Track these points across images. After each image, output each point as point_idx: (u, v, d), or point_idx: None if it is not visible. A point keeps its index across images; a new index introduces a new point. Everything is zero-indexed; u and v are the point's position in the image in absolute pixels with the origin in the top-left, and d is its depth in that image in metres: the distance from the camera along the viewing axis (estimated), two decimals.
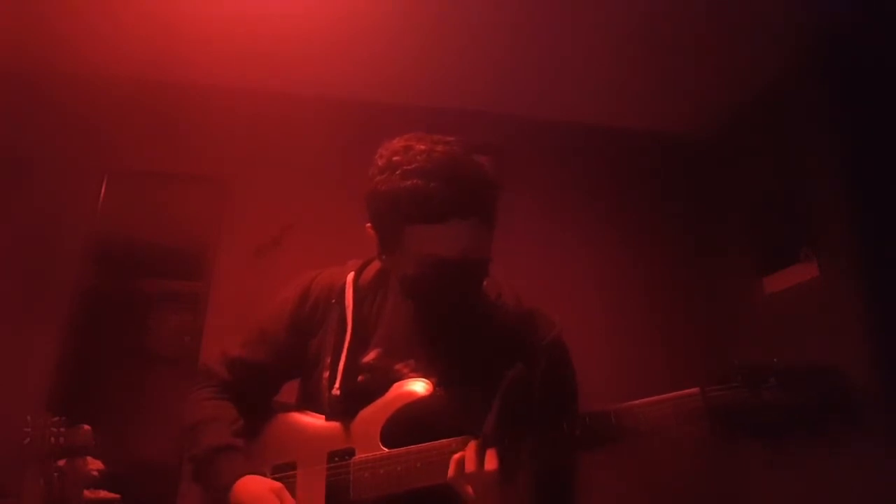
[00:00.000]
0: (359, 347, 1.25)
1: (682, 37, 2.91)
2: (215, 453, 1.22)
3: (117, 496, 2.36)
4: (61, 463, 2.20)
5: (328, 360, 1.25)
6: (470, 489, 1.03)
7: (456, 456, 1.06)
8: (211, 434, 1.25)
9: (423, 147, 1.12)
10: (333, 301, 1.30)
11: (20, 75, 3.21)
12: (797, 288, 2.87)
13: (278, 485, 1.18)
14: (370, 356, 1.24)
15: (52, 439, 2.20)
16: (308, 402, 1.28)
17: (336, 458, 1.19)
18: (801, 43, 2.86)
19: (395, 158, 1.12)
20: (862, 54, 2.67)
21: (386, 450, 1.15)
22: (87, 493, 2.23)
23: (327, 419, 1.23)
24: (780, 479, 2.79)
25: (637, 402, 1.00)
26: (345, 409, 1.21)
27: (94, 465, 2.26)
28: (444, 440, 1.10)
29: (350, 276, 1.31)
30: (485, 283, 1.23)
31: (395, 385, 1.19)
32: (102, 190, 3.23)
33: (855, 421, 0.89)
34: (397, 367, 1.22)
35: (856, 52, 2.68)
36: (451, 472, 1.05)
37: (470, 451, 1.04)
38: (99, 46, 3.13)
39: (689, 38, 2.92)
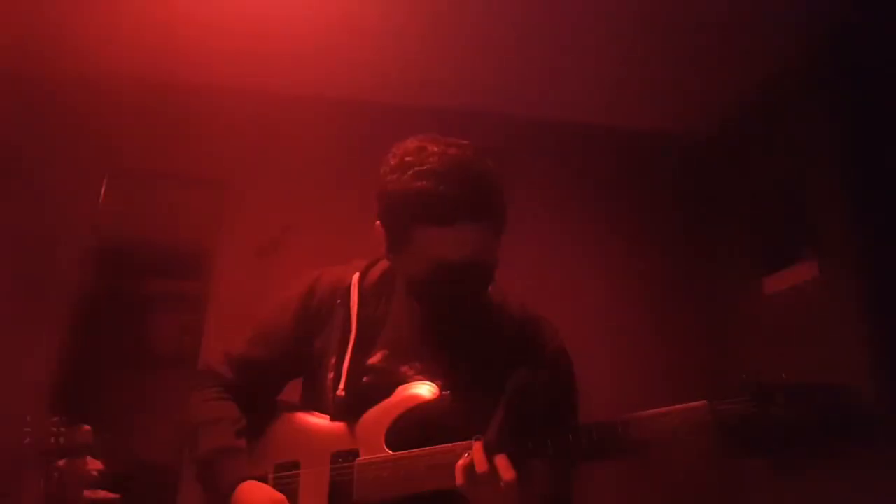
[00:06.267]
0: (364, 348, 1.24)
1: (684, 37, 2.91)
2: (218, 455, 1.22)
3: (117, 496, 2.35)
4: (61, 463, 2.20)
5: (332, 361, 1.25)
6: (482, 494, 1.02)
7: (462, 462, 1.05)
8: (214, 435, 1.25)
9: (436, 149, 1.12)
10: (338, 301, 1.29)
11: (20, 75, 3.20)
12: (797, 288, 2.87)
13: (280, 496, 1.17)
14: (375, 357, 1.24)
15: (52, 439, 2.19)
16: (312, 403, 1.28)
17: (340, 459, 1.19)
18: (801, 43, 2.86)
19: (407, 159, 1.13)
20: (861, 54, 2.67)
21: (390, 452, 1.15)
22: (87, 493, 2.23)
23: (332, 420, 1.23)
24: (784, 495, 2.77)
25: (643, 413, 1.00)
26: (349, 410, 1.21)
27: (94, 465, 2.26)
28: (449, 444, 1.10)
29: (356, 276, 1.31)
30: (490, 287, 1.23)
31: (401, 387, 1.19)
32: (102, 190, 3.22)
33: (862, 439, 0.89)
34: (402, 369, 1.22)
35: (856, 52, 2.68)
36: (459, 478, 1.04)
37: (478, 454, 1.04)
38: (100, 46, 3.12)
39: (690, 39, 2.92)
